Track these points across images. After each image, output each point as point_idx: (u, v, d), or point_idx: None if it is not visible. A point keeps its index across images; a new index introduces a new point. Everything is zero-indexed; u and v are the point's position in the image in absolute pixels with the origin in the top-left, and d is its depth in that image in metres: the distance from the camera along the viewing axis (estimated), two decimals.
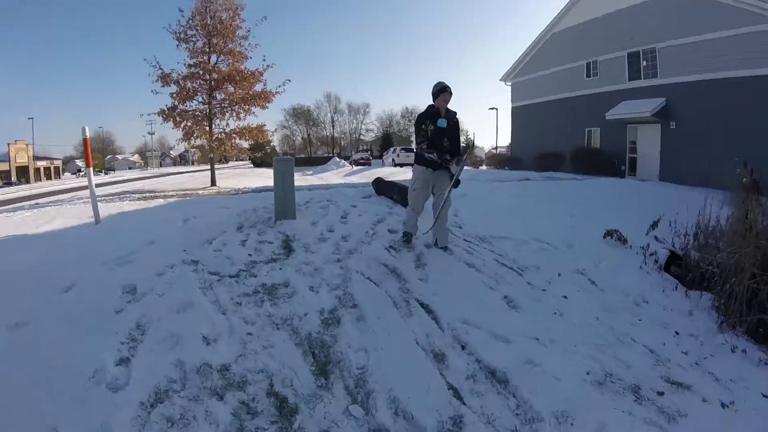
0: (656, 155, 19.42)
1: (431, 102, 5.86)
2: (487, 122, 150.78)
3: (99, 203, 8.19)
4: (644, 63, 19.87)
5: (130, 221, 7.92)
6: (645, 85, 19.77)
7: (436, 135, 5.72)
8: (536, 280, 5.48)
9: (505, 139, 49.34)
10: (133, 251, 5.63)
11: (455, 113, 5.93)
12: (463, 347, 3.85)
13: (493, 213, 8.52)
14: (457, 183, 5.88)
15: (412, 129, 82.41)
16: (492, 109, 36.35)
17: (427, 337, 3.95)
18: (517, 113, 28.55)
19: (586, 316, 4.65)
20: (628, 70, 20.66)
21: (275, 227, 6.89)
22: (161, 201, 10.69)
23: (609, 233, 6.91)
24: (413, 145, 62.82)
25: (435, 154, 5.68)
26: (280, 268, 5.26)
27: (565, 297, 5.06)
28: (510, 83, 28.70)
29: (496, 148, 40.46)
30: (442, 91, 5.73)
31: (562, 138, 23.26)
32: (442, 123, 5.75)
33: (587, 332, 4.32)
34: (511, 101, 28.85)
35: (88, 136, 7.93)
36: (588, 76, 22.96)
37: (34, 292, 4.40)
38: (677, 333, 4.50)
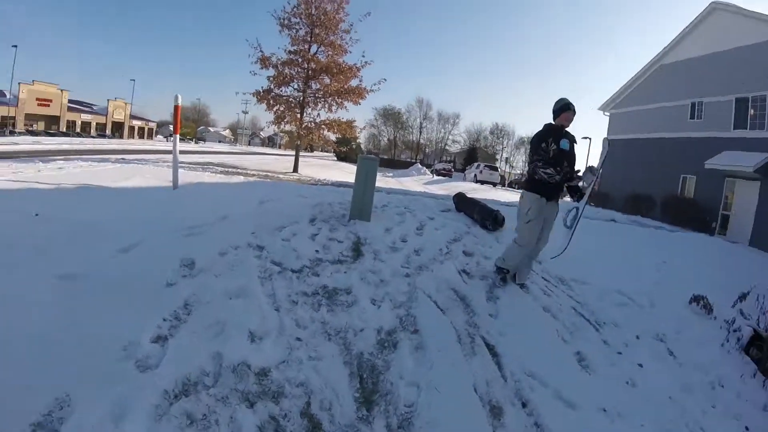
0: (751, 216, 17.60)
1: (550, 121, 5.12)
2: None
3: (181, 170, 8.30)
4: (752, 111, 18.09)
5: (207, 193, 7.94)
6: (750, 137, 18.03)
7: (558, 157, 4.90)
8: (613, 340, 4.94)
9: None
10: (202, 224, 5.56)
11: (574, 136, 5.21)
12: (524, 405, 3.44)
13: (576, 252, 7.92)
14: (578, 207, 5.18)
15: (499, 147, 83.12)
16: (585, 138, 34.71)
17: (488, 384, 3.55)
18: (611, 146, 26.75)
19: (660, 392, 4.17)
20: (734, 117, 18.89)
21: (348, 226, 6.65)
22: (241, 178, 10.77)
23: (696, 299, 6.32)
24: (497, 163, 62.17)
25: (557, 176, 4.84)
26: (345, 272, 4.99)
27: (641, 365, 4.55)
28: (609, 113, 27.31)
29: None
30: (565, 108, 5.02)
31: (655, 180, 21.60)
32: (565, 144, 4.97)
33: (658, 412, 3.86)
34: (608, 132, 27.26)
35: (179, 104, 8.06)
36: (692, 117, 21.20)
37: (92, 246, 4.38)
38: (747, 429, 4.02)
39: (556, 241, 5.32)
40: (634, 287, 6.56)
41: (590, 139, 35.81)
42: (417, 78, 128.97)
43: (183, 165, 12.44)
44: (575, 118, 5.07)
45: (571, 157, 5.05)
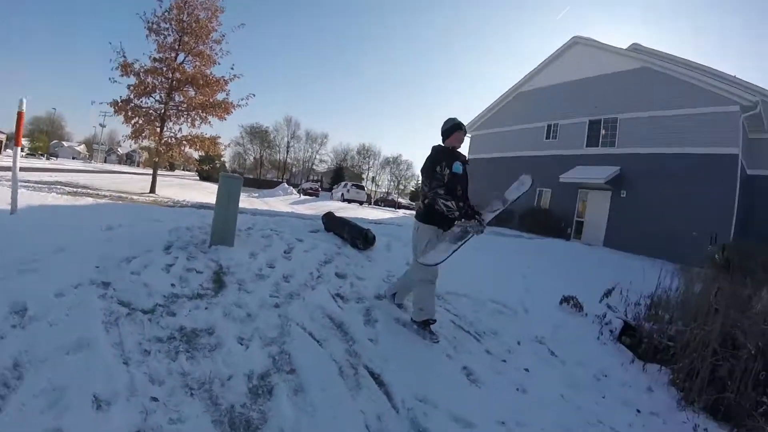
0: (603, 221, 20.01)
1: (439, 142, 4.87)
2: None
3: (24, 191, 7.17)
4: (603, 131, 20.67)
5: (49, 218, 6.88)
6: (601, 153, 20.54)
7: (452, 181, 4.63)
8: (495, 348, 4.95)
9: None
10: (38, 258, 4.66)
11: (465, 156, 4.95)
12: None
13: (447, 265, 7.95)
14: (479, 231, 4.72)
15: (366, 166, 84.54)
16: None
17: (380, 419, 3.27)
18: (472, 165, 28.27)
19: (551, 393, 4.25)
20: (587, 137, 21.40)
21: (208, 253, 6.04)
22: (90, 200, 9.61)
23: (566, 299, 6.78)
24: (364, 182, 63.31)
25: (456, 212, 4.55)
26: (206, 308, 4.42)
27: (527, 370, 4.62)
28: (470, 135, 28.97)
29: None
30: (456, 128, 4.78)
31: None
32: (458, 168, 4.68)
33: (554, 413, 3.91)
34: (469, 153, 28.90)
35: (23, 110, 6.81)
36: (548, 137, 23.61)
37: None
38: (639, 411, 4.28)
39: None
40: (507, 295, 6.74)
41: None
42: (286, 96, 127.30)
43: (27, 184, 10.97)
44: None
45: (464, 180, 4.81)
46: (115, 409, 2.77)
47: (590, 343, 5.60)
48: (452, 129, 4.78)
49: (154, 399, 2.94)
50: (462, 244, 4.60)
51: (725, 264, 5.42)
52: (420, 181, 5.18)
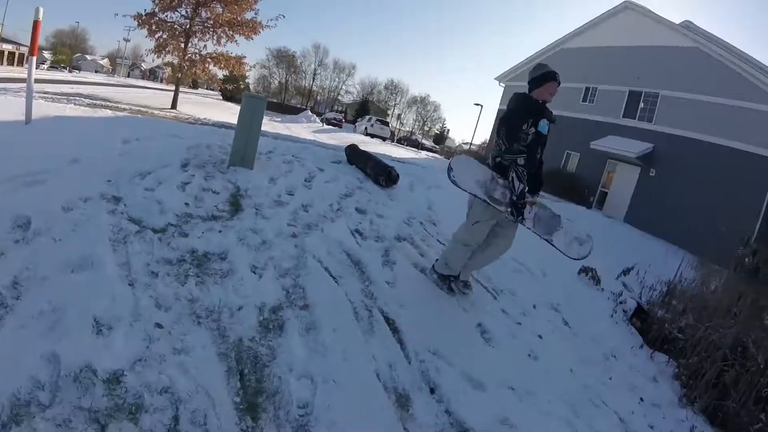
0: (628, 196, 19.61)
1: (525, 92, 3.99)
2: (464, 116, 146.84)
3: (42, 102, 6.97)
4: (642, 105, 19.92)
5: (65, 129, 6.69)
6: (637, 126, 19.85)
7: (533, 143, 3.87)
8: (511, 309, 4.73)
9: (480, 138, 48.54)
10: (48, 169, 4.46)
11: (552, 113, 4.03)
12: (432, 390, 3.05)
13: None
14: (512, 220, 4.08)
15: (392, 103, 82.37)
16: (477, 104, 35.36)
17: (391, 368, 3.09)
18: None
19: (561, 365, 4.08)
20: (625, 106, 20.67)
21: (227, 174, 5.85)
22: (109, 113, 9.40)
23: (584, 270, 6.55)
24: (389, 119, 61.74)
25: (522, 185, 3.88)
26: (220, 231, 4.24)
27: (540, 337, 4.42)
28: (504, 85, 28.21)
29: (470, 144, 39.62)
30: (550, 78, 3.89)
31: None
32: (544, 127, 3.87)
33: (562, 386, 3.73)
34: (500, 104, 28.18)
35: (39, 19, 6.36)
36: (584, 100, 22.82)
37: None
38: (642, 399, 4.15)
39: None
40: (527, 255, 6.47)
41: (481, 106, 36.27)
42: (316, 22, 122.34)
43: (46, 95, 10.80)
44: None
45: (544, 143, 4.04)
46: (116, 335, 2.59)
47: (604, 319, 5.41)
48: (544, 77, 3.90)
49: (159, 326, 2.76)
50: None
51: (755, 269, 5.17)
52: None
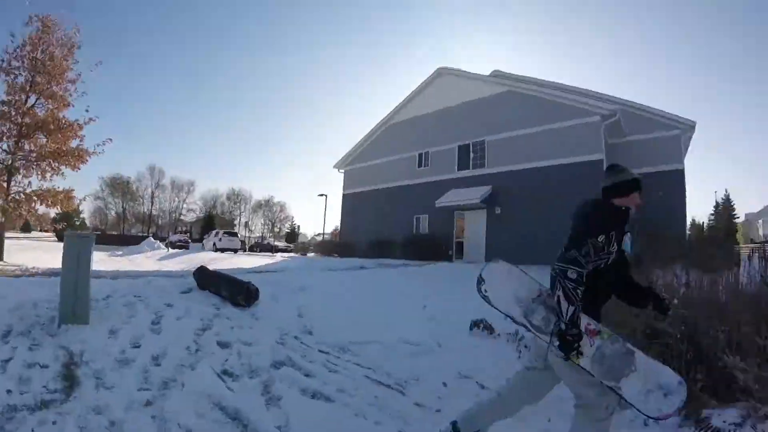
0: (482, 238, 20.67)
1: (606, 197, 2.94)
2: (311, 209, 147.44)
3: None
4: (473, 154, 21.68)
5: None
6: (473, 174, 21.48)
7: (614, 264, 2.84)
8: (423, 398, 4.19)
9: (330, 226, 49.46)
10: None
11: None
12: None
13: (344, 310, 7.45)
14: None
15: (237, 212, 79.63)
16: (321, 195, 35.89)
17: None
18: (348, 200, 29.04)
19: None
20: (458, 161, 22.32)
21: (57, 336, 4.83)
22: None
23: (476, 324, 6.49)
24: (236, 229, 59.19)
25: (567, 302, 2.57)
26: (54, 422, 3.19)
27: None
28: (343, 171, 29.29)
29: (322, 234, 40.20)
30: (637, 186, 2.88)
31: (394, 225, 24.15)
32: (628, 245, 2.93)
33: None
34: (343, 188, 29.43)
35: None
36: (420, 165, 24.29)
37: None
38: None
39: None
40: (414, 330, 6.39)
41: (326, 195, 37.02)
42: (149, 144, 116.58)
43: None
44: None
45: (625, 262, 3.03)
46: None
47: (513, 364, 5.04)
48: (632, 185, 2.89)
49: None
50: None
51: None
52: None
